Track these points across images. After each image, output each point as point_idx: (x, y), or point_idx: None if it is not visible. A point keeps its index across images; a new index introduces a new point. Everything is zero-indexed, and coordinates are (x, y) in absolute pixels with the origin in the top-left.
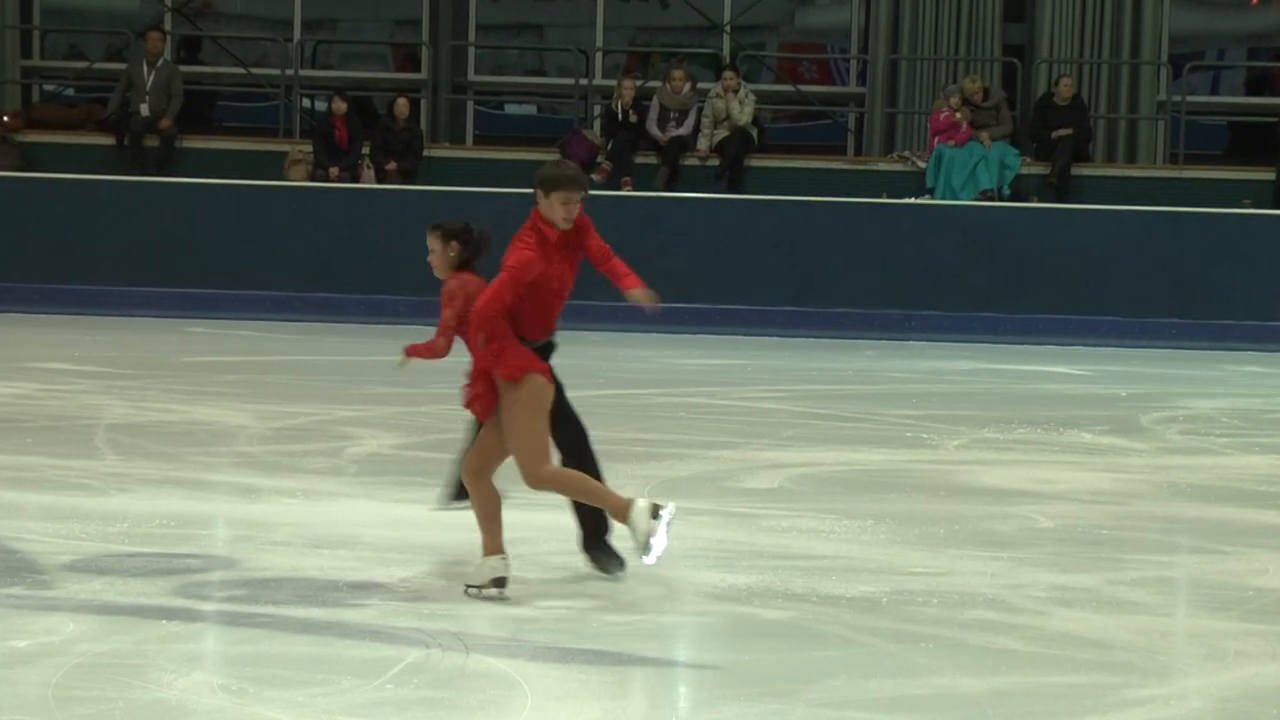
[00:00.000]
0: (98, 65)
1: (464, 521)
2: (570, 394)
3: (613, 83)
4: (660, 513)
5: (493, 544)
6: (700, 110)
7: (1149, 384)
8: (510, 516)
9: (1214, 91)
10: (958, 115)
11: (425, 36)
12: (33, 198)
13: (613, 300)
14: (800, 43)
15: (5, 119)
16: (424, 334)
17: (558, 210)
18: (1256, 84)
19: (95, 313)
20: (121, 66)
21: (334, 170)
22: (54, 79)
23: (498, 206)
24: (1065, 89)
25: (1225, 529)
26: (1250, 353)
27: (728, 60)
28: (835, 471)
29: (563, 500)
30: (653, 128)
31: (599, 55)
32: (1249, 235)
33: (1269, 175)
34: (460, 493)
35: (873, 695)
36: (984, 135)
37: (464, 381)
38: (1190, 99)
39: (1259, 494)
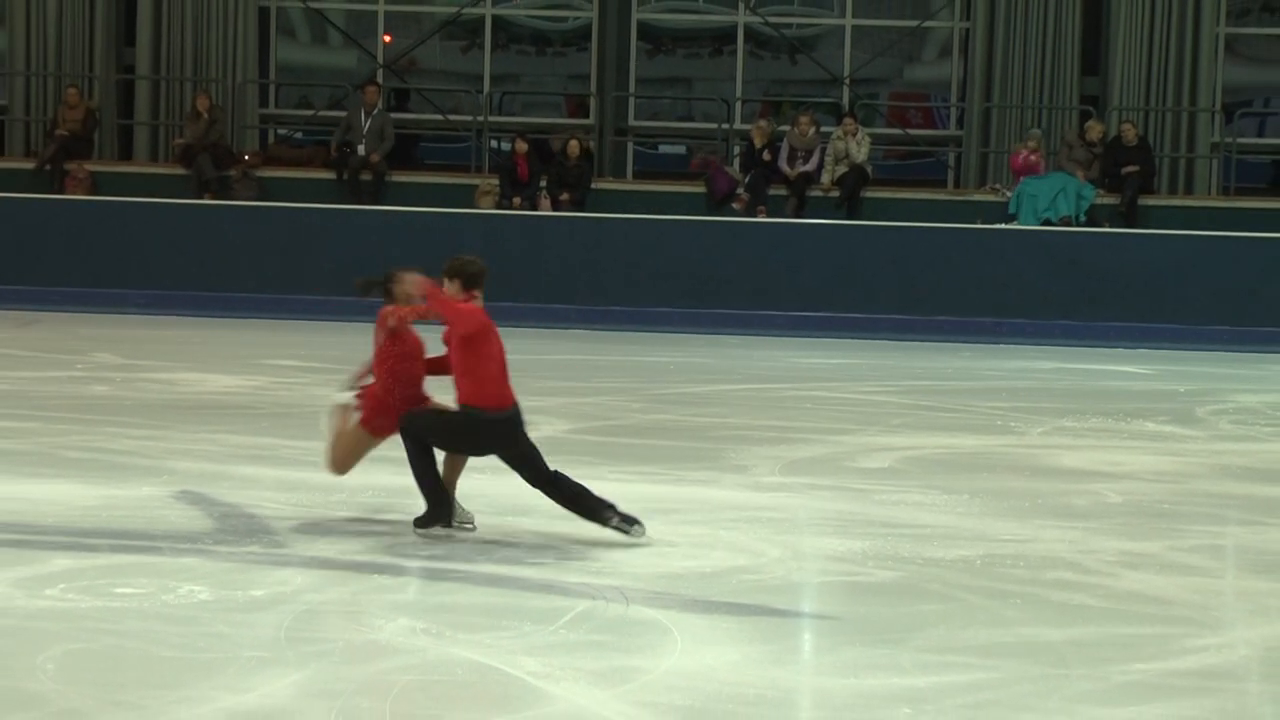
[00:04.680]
0: (322, 113)
1: (624, 493)
2: (713, 388)
3: (749, 126)
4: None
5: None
6: (823, 150)
7: (1204, 381)
8: (657, 490)
9: (1260, 134)
10: (1034, 158)
11: (593, 88)
12: (269, 223)
13: (749, 309)
14: (908, 93)
15: (247, 158)
16: (592, 336)
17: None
18: None
19: (318, 318)
20: (342, 114)
21: (516, 200)
22: (286, 124)
23: (652, 231)
24: (1128, 132)
25: (1270, 504)
26: None
27: (847, 108)
28: (937, 454)
29: (709, 476)
30: (783, 165)
31: (738, 104)
32: None
33: None
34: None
35: (968, 643)
36: (1079, 171)
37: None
38: (1240, 140)
39: None
